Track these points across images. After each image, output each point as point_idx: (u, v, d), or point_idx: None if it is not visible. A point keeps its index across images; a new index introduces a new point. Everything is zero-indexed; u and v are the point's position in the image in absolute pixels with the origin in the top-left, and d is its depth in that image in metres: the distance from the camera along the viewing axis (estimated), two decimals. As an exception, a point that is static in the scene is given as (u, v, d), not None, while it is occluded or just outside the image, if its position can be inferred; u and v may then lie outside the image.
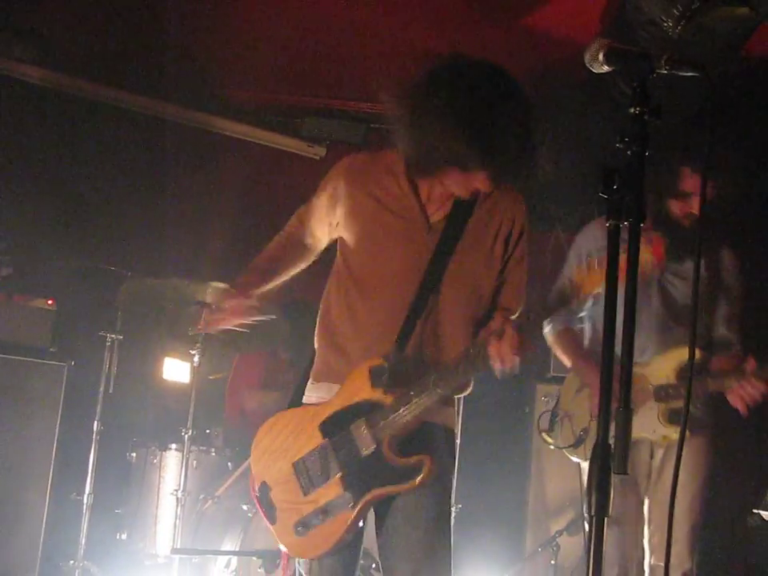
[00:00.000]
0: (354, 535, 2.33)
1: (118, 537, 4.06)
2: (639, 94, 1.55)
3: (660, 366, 3.13)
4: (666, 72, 1.56)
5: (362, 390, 2.28)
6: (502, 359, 2.13)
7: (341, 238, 2.44)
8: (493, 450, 4.76)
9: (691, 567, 3.17)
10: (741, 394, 2.97)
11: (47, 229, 4.57)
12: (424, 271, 2.31)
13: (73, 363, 4.15)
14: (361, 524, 2.31)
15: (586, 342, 3.41)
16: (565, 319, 3.37)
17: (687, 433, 2.95)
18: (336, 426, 2.30)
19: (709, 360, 3.13)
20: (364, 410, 2.27)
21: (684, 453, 3.18)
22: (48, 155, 4.78)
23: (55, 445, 4.03)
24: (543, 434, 3.37)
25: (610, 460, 1.51)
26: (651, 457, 3.23)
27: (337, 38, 4.46)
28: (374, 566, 3.38)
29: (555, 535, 4.28)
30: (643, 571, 3.20)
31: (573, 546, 4.28)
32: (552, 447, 3.37)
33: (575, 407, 3.29)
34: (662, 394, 3.11)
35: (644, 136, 1.55)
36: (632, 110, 1.55)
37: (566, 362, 3.39)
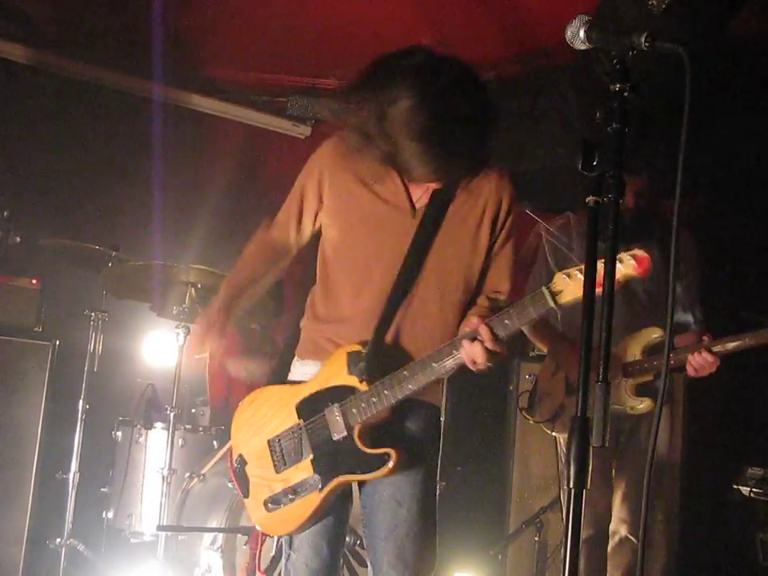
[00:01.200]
0: (338, 512, 2.36)
1: (103, 515, 4.07)
2: (619, 71, 1.57)
3: (628, 345, 3.32)
4: (646, 49, 1.57)
5: (338, 374, 2.29)
6: (472, 361, 2.15)
7: (325, 223, 2.41)
8: (476, 428, 4.79)
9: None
10: (693, 365, 3.15)
11: (31, 207, 4.55)
12: (404, 257, 2.29)
13: (58, 342, 4.14)
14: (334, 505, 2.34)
15: (560, 327, 3.57)
16: None
17: (651, 403, 3.21)
18: (311, 407, 2.32)
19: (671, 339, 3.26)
20: (338, 395, 2.28)
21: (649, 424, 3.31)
22: (32, 134, 4.75)
23: (41, 424, 4.02)
24: (523, 412, 3.67)
25: (589, 433, 1.53)
26: (618, 429, 3.42)
27: (321, 16, 4.43)
28: (358, 542, 3.41)
29: (539, 512, 4.31)
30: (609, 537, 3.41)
31: (557, 523, 4.32)
32: (532, 422, 3.63)
33: (552, 387, 3.50)
34: (629, 369, 3.29)
35: (624, 112, 1.56)
36: (612, 87, 1.57)
37: (543, 347, 3.59)
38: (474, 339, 2.14)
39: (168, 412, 3.74)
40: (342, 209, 2.35)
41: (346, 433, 2.26)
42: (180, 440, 3.94)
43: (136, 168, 4.89)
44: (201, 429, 4.11)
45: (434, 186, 2.28)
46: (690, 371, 3.18)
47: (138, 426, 4.07)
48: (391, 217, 2.30)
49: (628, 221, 3.28)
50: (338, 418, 2.27)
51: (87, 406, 4.01)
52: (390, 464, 2.22)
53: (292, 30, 4.61)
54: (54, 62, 4.82)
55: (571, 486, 1.53)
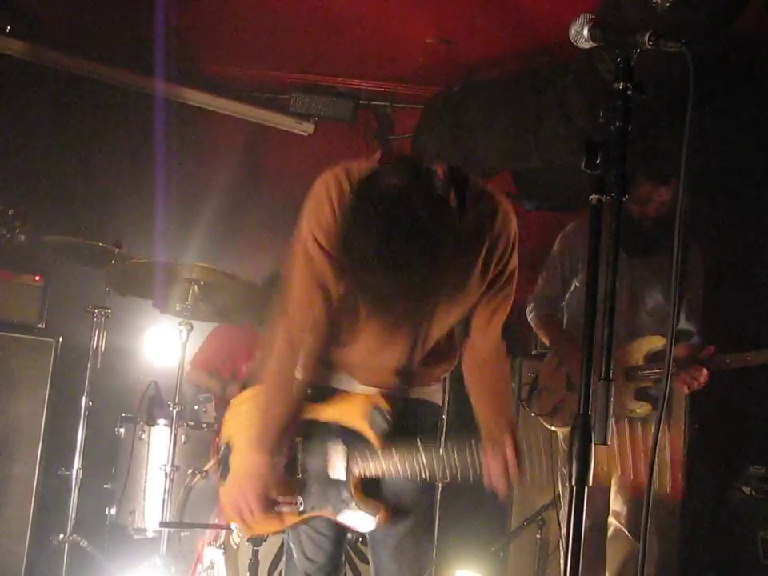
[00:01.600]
0: None
1: (106, 511, 4.08)
2: (623, 70, 1.57)
3: (631, 350, 3.40)
4: (649, 48, 1.58)
5: (356, 419, 2.25)
6: (491, 473, 2.15)
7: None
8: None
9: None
10: (685, 379, 3.24)
11: (33, 204, 4.56)
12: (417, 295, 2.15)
13: (61, 339, 4.15)
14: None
15: (564, 326, 3.68)
16: (548, 307, 3.67)
17: (649, 408, 3.27)
18: (317, 433, 2.29)
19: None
20: (349, 439, 2.25)
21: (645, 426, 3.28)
22: (35, 131, 4.76)
23: (44, 420, 4.04)
24: (523, 404, 3.74)
25: (591, 430, 1.53)
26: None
27: (325, 13, 4.44)
28: (360, 539, 3.42)
29: (540, 510, 4.31)
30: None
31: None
32: (532, 414, 3.70)
33: (553, 382, 3.57)
34: (630, 374, 3.37)
35: (627, 111, 1.56)
36: (616, 86, 1.57)
37: (547, 342, 3.69)
38: (497, 451, 2.15)
39: (171, 409, 3.75)
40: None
41: (344, 477, 2.25)
42: (183, 437, 3.95)
43: (139, 165, 4.90)
44: (203, 425, 4.12)
45: None
46: (680, 387, 3.27)
47: (141, 423, 4.08)
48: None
49: (647, 230, 3.36)
50: (341, 459, 2.25)
51: (90, 403, 4.01)
52: (376, 520, 2.23)
53: (295, 27, 4.62)
54: (57, 59, 4.82)
55: (573, 483, 1.53)
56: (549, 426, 3.56)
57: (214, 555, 3.59)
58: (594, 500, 3.37)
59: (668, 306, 3.45)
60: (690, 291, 3.48)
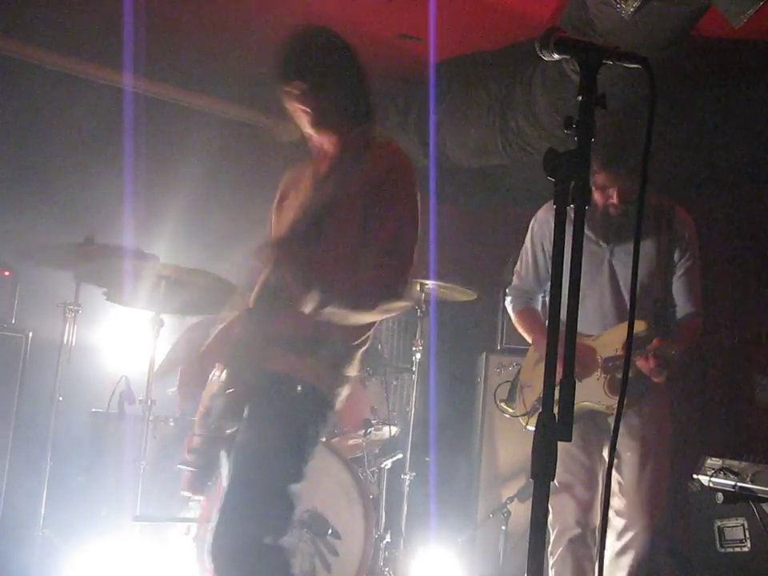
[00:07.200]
0: None
1: (77, 505, 4.09)
2: (586, 83, 1.64)
3: (609, 339, 3.29)
4: (612, 63, 1.65)
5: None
6: None
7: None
8: (445, 420, 4.87)
9: (648, 523, 3.25)
10: (644, 369, 3.17)
11: (2, 198, 4.54)
12: (308, 204, 2.54)
13: (31, 334, 4.14)
14: None
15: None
16: (525, 299, 3.55)
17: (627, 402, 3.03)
18: None
19: (653, 334, 3.21)
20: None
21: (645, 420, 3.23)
22: (2, 124, 4.74)
23: (14, 415, 4.04)
24: (502, 404, 3.54)
25: (555, 427, 1.59)
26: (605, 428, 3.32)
27: (297, 12, 4.47)
28: (330, 531, 3.47)
29: (506, 502, 4.40)
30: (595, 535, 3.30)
31: (523, 513, 4.41)
32: (507, 416, 3.52)
33: (533, 378, 3.43)
34: (608, 365, 3.27)
35: (590, 122, 1.63)
36: (579, 98, 1.64)
37: (527, 337, 3.55)
38: None
39: (141, 404, 3.76)
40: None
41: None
42: (153, 431, 3.96)
43: (109, 161, 4.88)
44: (173, 420, 4.14)
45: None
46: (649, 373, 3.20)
47: (112, 418, 4.09)
48: (299, 193, 2.62)
49: (615, 217, 3.26)
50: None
51: (61, 398, 4.01)
52: None
53: (267, 25, 4.63)
54: (26, 52, 4.80)
55: (536, 477, 1.58)
56: (525, 427, 3.36)
57: (185, 548, 3.63)
58: (582, 505, 3.27)
59: (646, 287, 3.31)
60: (682, 267, 3.35)
